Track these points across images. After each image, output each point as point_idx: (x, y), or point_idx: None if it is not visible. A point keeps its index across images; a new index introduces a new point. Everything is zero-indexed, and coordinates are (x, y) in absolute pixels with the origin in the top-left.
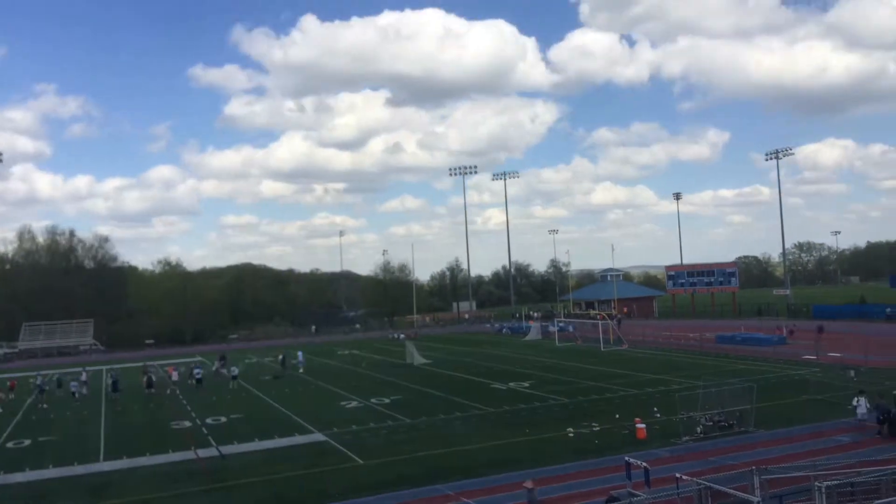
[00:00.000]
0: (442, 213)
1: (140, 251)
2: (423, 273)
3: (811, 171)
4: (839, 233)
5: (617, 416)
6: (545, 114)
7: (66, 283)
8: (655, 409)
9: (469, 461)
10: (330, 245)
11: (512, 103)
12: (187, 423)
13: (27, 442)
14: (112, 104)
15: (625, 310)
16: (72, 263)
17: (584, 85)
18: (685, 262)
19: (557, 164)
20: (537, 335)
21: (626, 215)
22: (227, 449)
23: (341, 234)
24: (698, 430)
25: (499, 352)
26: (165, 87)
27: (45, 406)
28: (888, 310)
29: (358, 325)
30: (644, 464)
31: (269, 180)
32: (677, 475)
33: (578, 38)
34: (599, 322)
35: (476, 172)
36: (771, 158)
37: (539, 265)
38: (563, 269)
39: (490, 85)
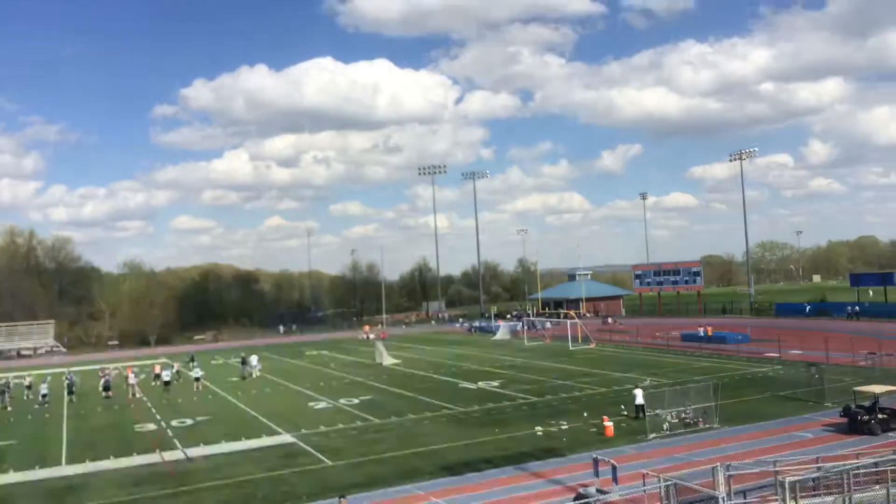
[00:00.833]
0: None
1: (101, 253)
2: (392, 273)
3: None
4: (801, 232)
5: (585, 414)
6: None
7: (26, 285)
8: (623, 406)
9: (439, 461)
10: (298, 245)
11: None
12: (152, 426)
13: None
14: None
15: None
16: (31, 264)
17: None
18: (651, 261)
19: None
20: (506, 334)
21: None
22: (194, 451)
23: (309, 234)
24: (665, 427)
25: (468, 351)
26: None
27: (9, 408)
28: (849, 308)
29: (332, 328)
30: (612, 461)
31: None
32: (644, 472)
33: None
34: (569, 321)
35: (445, 172)
36: (735, 159)
37: (508, 264)
38: (532, 268)
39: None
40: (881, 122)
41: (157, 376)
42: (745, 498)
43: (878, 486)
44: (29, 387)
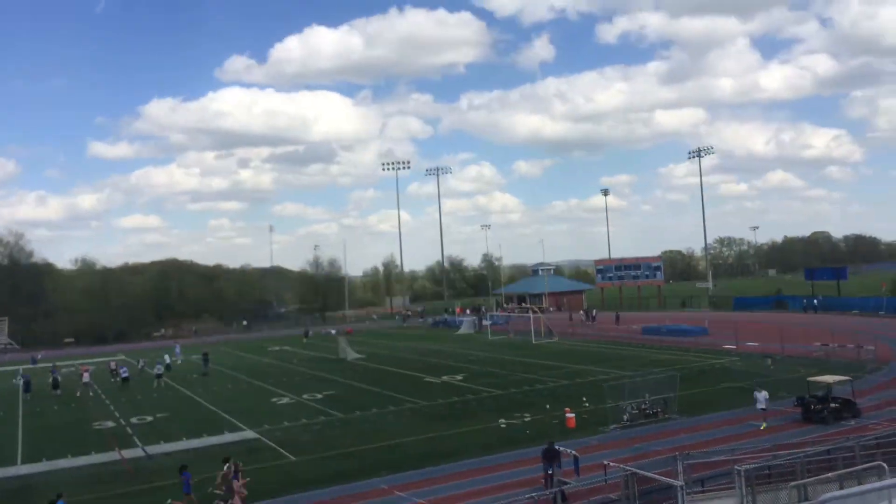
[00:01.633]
0: (375, 208)
1: (57, 250)
2: (355, 269)
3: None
4: (757, 228)
5: (547, 406)
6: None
7: None
8: (584, 398)
9: (403, 454)
10: (250, 243)
11: None
12: (110, 424)
13: None
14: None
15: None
16: None
17: None
18: (613, 256)
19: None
20: (470, 329)
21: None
22: (154, 449)
23: (271, 228)
24: (625, 418)
25: (432, 346)
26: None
27: None
28: (805, 301)
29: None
30: (574, 452)
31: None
32: (605, 462)
33: None
34: (531, 315)
35: (409, 167)
36: (694, 157)
37: (473, 260)
38: (496, 263)
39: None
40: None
41: (114, 372)
42: (702, 486)
43: (830, 474)
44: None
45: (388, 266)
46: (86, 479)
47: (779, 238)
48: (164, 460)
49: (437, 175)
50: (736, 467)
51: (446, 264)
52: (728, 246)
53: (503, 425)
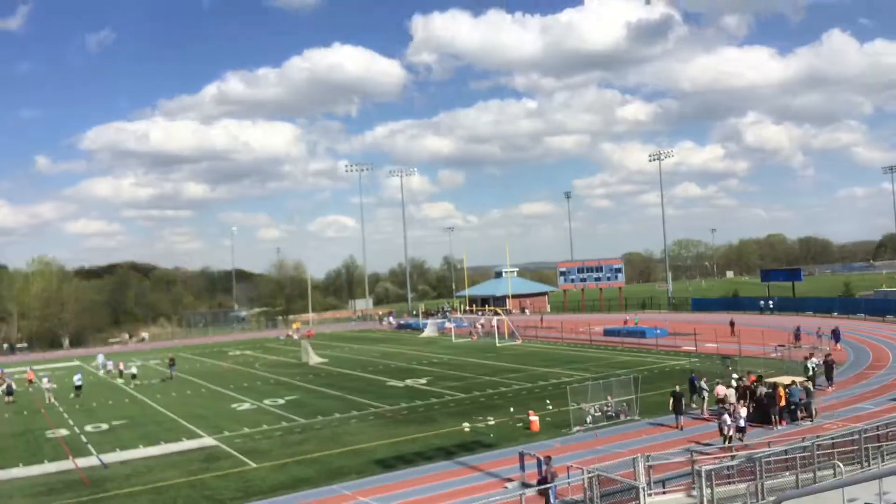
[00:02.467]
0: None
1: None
2: (318, 271)
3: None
4: (715, 230)
5: (511, 409)
6: None
7: None
8: (548, 401)
9: (366, 459)
10: (224, 243)
11: None
12: (64, 432)
13: None
14: None
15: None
16: None
17: None
18: (575, 258)
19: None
20: (434, 332)
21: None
22: (109, 457)
23: (233, 231)
24: (588, 420)
25: (396, 349)
26: None
27: None
28: (761, 302)
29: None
30: (538, 455)
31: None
32: (568, 465)
33: None
34: (494, 317)
35: (371, 169)
36: (654, 160)
37: (435, 262)
38: (459, 265)
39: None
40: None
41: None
42: (664, 487)
43: (787, 473)
44: None
45: (350, 268)
46: (39, 489)
47: (735, 240)
48: (120, 469)
49: (401, 176)
50: (696, 467)
51: (408, 267)
52: (686, 248)
53: (467, 429)
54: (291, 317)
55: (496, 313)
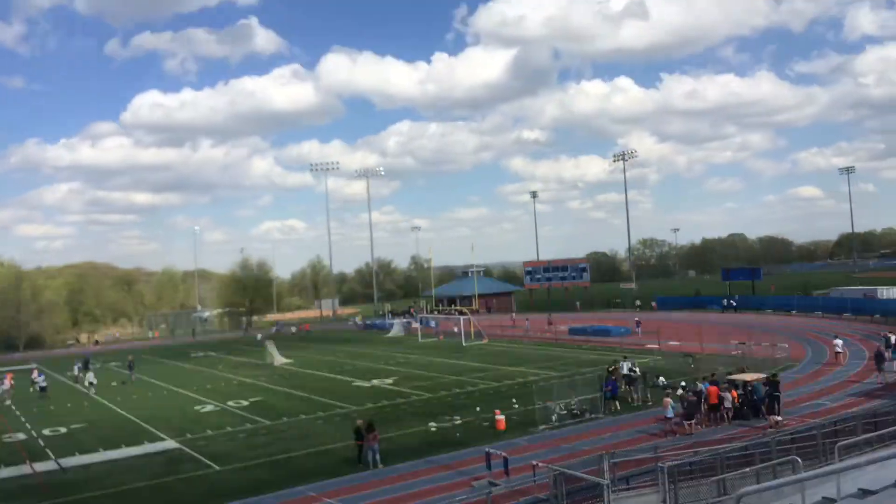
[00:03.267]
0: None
1: None
2: (284, 271)
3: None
4: (678, 230)
5: (478, 408)
6: None
7: None
8: (514, 400)
9: (332, 461)
10: (186, 243)
11: None
12: (21, 436)
13: None
14: None
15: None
16: None
17: None
18: (541, 258)
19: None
20: (400, 331)
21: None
22: (68, 461)
23: (196, 230)
24: (554, 418)
25: (362, 349)
26: None
27: None
28: (724, 301)
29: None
30: (503, 454)
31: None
32: (534, 463)
33: None
34: (461, 317)
35: (338, 168)
36: (618, 160)
37: (402, 261)
38: (425, 265)
39: None
40: None
41: (33, 382)
42: (627, 484)
43: (748, 469)
44: None
45: (316, 268)
46: None
47: (697, 240)
48: (80, 473)
49: (367, 178)
50: (659, 465)
51: (375, 266)
52: (650, 247)
53: (434, 429)
54: (255, 317)
55: (461, 313)
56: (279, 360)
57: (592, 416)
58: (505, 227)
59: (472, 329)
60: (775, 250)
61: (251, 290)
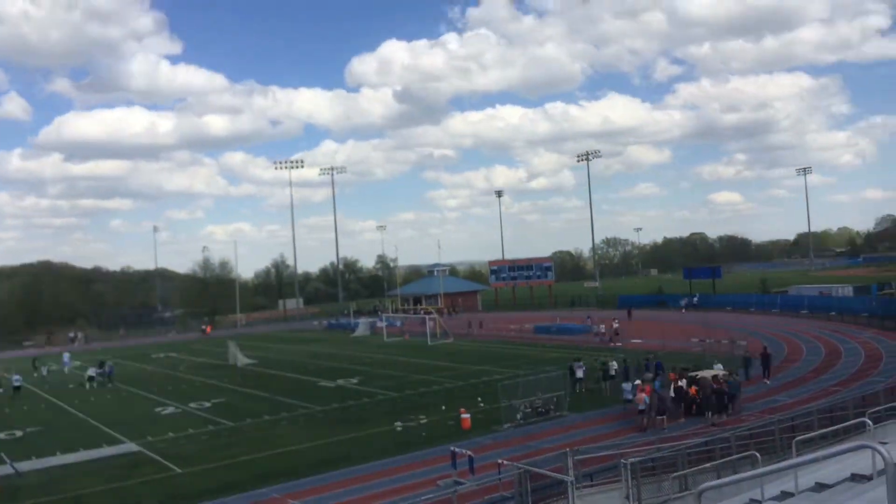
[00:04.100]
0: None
1: None
2: (246, 270)
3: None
4: (641, 229)
5: (443, 407)
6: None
7: None
8: (479, 398)
9: (296, 461)
10: (145, 242)
11: None
12: None
13: None
14: None
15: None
16: None
17: None
18: (507, 257)
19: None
20: (366, 331)
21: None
22: (24, 465)
23: (155, 229)
24: (518, 416)
25: (327, 349)
26: None
27: None
28: (684, 300)
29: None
30: (469, 452)
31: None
32: (499, 461)
33: None
34: (426, 316)
35: (302, 167)
36: (582, 160)
37: (367, 261)
38: (391, 264)
39: None
40: None
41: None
42: (591, 480)
43: (708, 464)
44: None
45: (280, 267)
46: None
47: (659, 239)
48: (36, 477)
49: (332, 175)
50: (622, 461)
51: (340, 265)
52: (614, 247)
53: (399, 428)
54: (217, 317)
55: (427, 312)
56: (242, 360)
57: (557, 413)
58: (471, 227)
59: (438, 328)
60: (735, 249)
61: (212, 290)
